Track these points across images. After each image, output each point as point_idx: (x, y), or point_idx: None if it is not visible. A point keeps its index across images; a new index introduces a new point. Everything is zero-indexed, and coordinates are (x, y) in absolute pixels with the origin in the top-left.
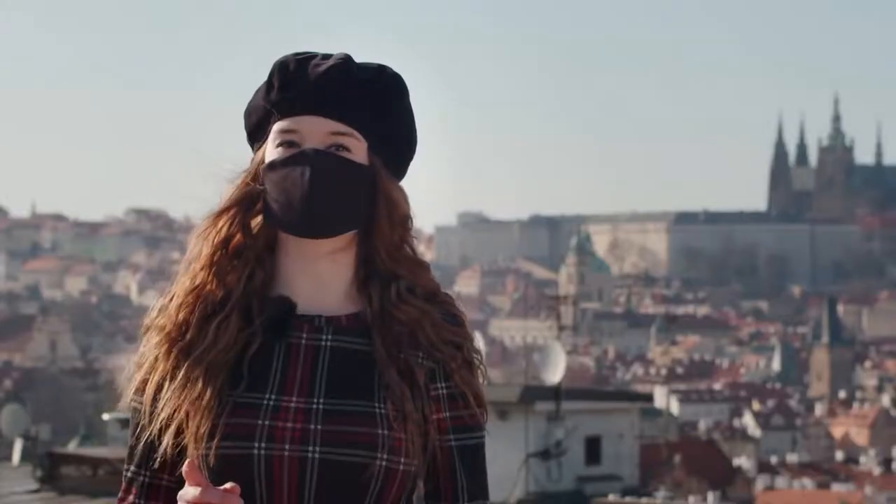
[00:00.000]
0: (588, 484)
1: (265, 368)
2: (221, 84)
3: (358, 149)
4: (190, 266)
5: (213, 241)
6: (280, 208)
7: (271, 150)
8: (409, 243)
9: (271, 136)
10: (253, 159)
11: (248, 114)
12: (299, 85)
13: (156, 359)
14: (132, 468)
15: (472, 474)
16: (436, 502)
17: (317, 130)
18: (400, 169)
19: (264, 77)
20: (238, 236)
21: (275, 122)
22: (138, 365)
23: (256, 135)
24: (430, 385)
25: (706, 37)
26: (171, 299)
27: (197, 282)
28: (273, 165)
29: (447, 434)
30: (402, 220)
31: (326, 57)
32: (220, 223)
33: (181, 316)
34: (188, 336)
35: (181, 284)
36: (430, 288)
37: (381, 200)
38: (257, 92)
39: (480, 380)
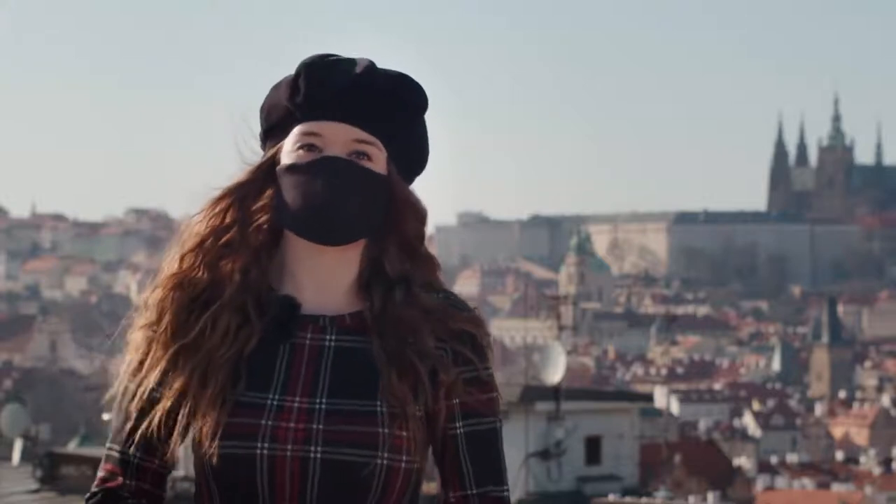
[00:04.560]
0: (588, 484)
1: (269, 368)
2: (222, 84)
3: (378, 158)
4: (182, 246)
5: (209, 226)
6: (297, 212)
7: (290, 152)
8: (424, 241)
9: (292, 137)
10: (265, 155)
11: (267, 111)
12: (326, 90)
13: (147, 344)
14: (121, 448)
15: (481, 460)
16: (447, 491)
17: (341, 137)
18: (412, 178)
19: (265, 77)
20: (233, 227)
21: (297, 123)
22: (135, 342)
23: (273, 133)
24: (440, 374)
25: (706, 37)
26: (160, 278)
27: (184, 265)
28: (294, 168)
29: (455, 421)
30: (422, 217)
31: (352, 62)
32: (218, 208)
33: (165, 301)
34: (174, 325)
35: (168, 267)
36: (439, 287)
37: (399, 204)
38: (276, 89)
39: (491, 365)
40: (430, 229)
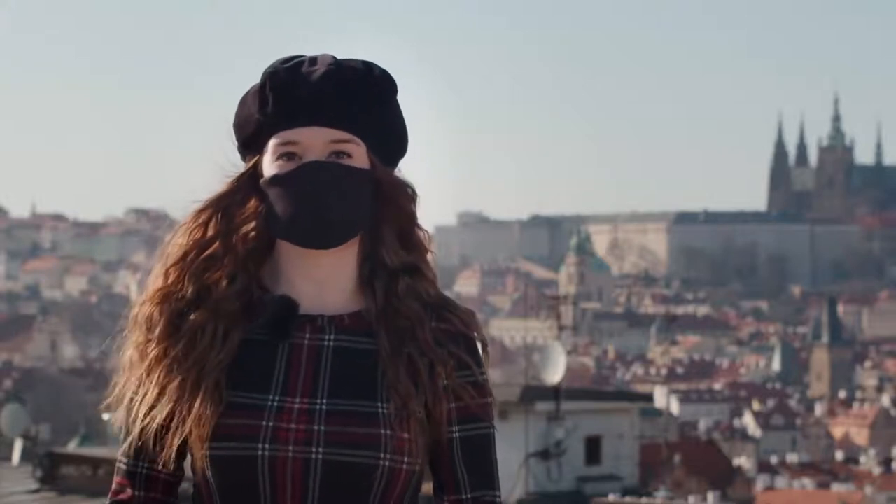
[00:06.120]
0: (588, 484)
1: (268, 369)
2: (222, 84)
3: (358, 153)
4: (165, 261)
5: (192, 239)
6: (289, 222)
7: (270, 163)
8: (418, 223)
9: (270, 148)
10: (245, 166)
11: (240, 126)
12: (295, 96)
13: (139, 359)
14: (128, 461)
15: (475, 465)
16: (441, 494)
17: (318, 140)
18: (395, 163)
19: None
20: (217, 239)
21: (271, 133)
22: (128, 359)
23: (250, 145)
24: (437, 367)
25: (706, 37)
26: (147, 294)
27: (169, 280)
28: (277, 179)
29: (451, 425)
30: (412, 195)
31: (314, 61)
32: (200, 220)
33: (153, 317)
34: (164, 338)
35: (154, 282)
36: (432, 277)
37: (388, 190)
38: (244, 103)
39: (487, 369)
40: (430, 229)
